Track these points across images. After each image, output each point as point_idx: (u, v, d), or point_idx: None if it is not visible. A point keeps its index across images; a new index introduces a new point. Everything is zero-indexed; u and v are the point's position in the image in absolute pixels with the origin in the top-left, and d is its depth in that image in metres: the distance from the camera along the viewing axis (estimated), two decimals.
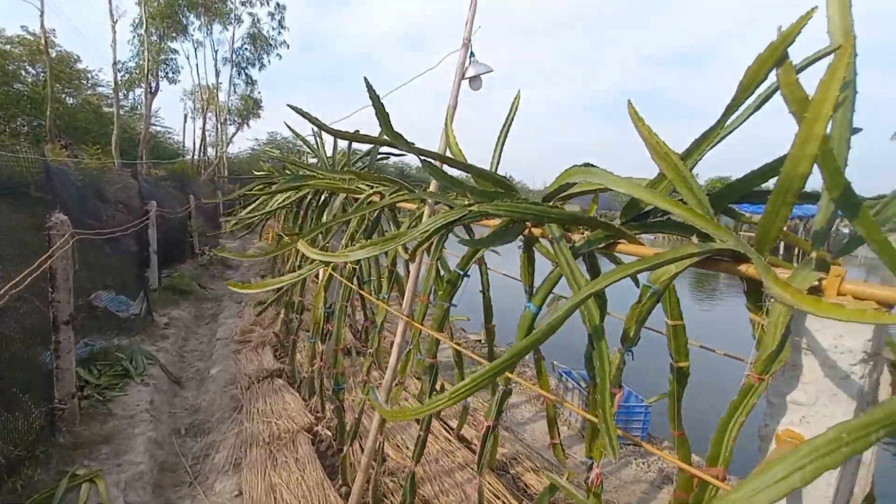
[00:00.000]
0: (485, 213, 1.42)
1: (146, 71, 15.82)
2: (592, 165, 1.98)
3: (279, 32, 21.67)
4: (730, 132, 1.21)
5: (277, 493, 2.64)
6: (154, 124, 19.24)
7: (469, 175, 1.82)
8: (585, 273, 1.58)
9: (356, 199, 3.62)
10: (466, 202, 1.99)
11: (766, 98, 1.13)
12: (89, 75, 19.60)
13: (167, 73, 17.72)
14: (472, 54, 2.40)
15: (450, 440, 3.17)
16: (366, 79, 1.24)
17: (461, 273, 1.91)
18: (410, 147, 1.34)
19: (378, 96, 1.24)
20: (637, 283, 1.52)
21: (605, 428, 0.95)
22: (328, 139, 4.74)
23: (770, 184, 1.23)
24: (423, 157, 1.39)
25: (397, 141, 1.35)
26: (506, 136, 2.20)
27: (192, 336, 5.79)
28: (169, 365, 4.56)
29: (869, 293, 0.97)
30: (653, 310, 1.33)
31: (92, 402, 3.41)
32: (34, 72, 18.46)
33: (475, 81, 2.44)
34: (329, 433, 3.23)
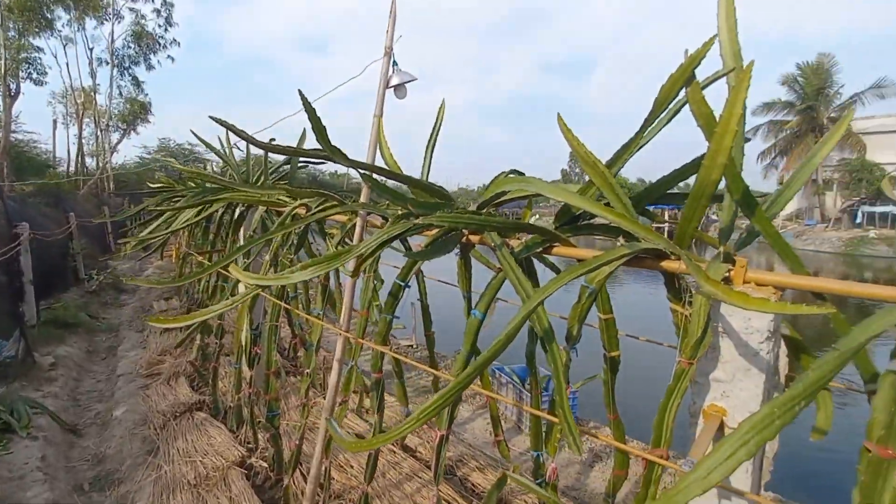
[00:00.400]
0: (429, 224, 1.42)
1: (3, 71, 13.53)
2: (520, 173, 2.08)
3: (166, 30, 19.76)
4: (647, 141, 1.34)
5: None
6: (15, 131, 16.50)
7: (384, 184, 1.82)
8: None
9: (277, 212, 3.43)
10: (400, 212, 1.98)
11: (676, 112, 1.27)
12: None
13: (30, 73, 15.31)
14: (394, 63, 2.39)
15: (394, 451, 3.13)
16: (300, 91, 1.18)
17: (403, 284, 1.89)
18: (351, 162, 1.30)
19: (313, 109, 1.19)
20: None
21: (567, 426, 1.00)
22: (238, 145, 4.42)
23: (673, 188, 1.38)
24: (362, 171, 1.36)
25: (336, 156, 1.30)
26: (434, 145, 2.23)
27: (87, 375, 5.08)
28: (60, 412, 3.96)
29: (768, 279, 1.13)
30: (591, 308, 1.43)
31: None
32: None
33: (400, 90, 2.44)
34: (265, 464, 3.02)
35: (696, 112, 1.15)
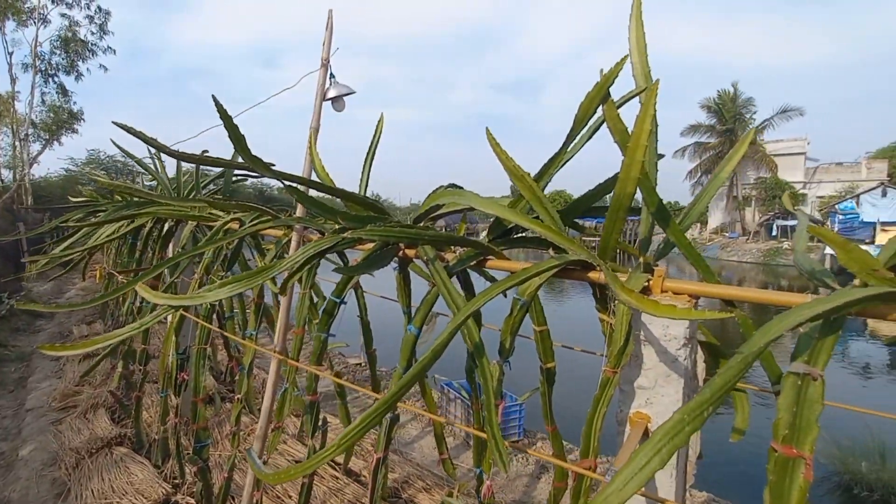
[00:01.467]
0: (358, 238, 1.38)
1: None
2: (458, 187, 2.09)
3: (101, 38, 18.56)
4: (571, 156, 1.38)
5: None
6: None
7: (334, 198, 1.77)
8: (460, 290, 1.65)
9: (209, 227, 3.25)
10: (336, 227, 1.92)
11: (596, 129, 1.32)
12: None
13: None
14: (331, 75, 2.35)
15: (336, 476, 2.99)
16: (214, 97, 1.11)
17: (337, 301, 1.83)
18: (271, 171, 1.24)
19: (230, 116, 1.12)
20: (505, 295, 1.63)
21: (494, 444, 0.98)
22: (169, 159, 4.17)
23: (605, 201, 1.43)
24: (286, 182, 1.30)
25: (255, 165, 1.24)
26: (372, 158, 2.20)
27: None
28: None
29: (683, 288, 1.18)
30: (523, 320, 1.44)
31: None
32: None
33: (338, 102, 2.40)
34: (192, 501, 2.78)
35: (612, 128, 1.19)
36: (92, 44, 18.30)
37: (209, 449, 2.65)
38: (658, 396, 1.23)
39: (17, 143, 19.36)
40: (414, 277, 2.02)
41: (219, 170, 3.52)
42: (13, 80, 17.71)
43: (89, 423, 3.76)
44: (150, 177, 5.65)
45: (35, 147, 19.15)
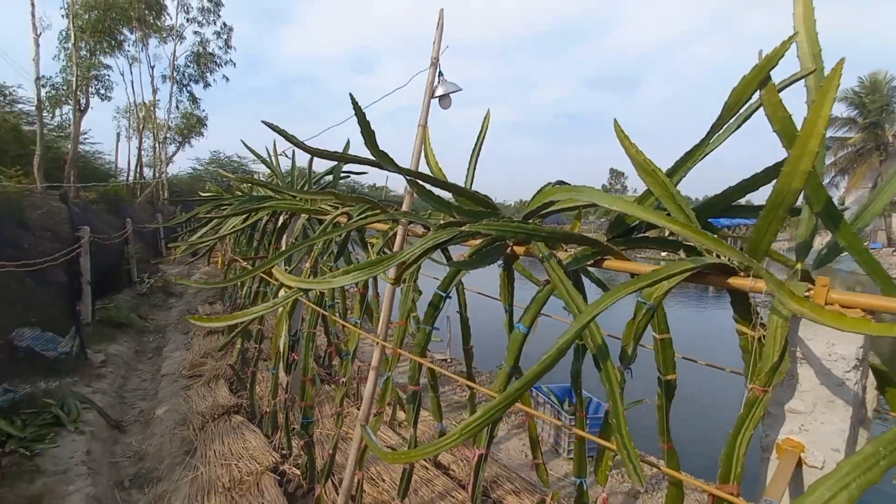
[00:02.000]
0: (476, 232, 1.38)
1: (75, 87, 14.70)
2: (566, 183, 2.02)
3: (225, 52, 21.03)
4: (713, 149, 1.25)
5: None
6: (83, 143, 17.83)
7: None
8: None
9: (319, 221, 3.49)
10: (442, 221, 1.95)
11: (747, 117, 1.18)
12: (6, 91, 17.97)
13: (98, 89, 16.59)
14: (440, 73, 2.39)
15: (427, 468, 3.05)
16: (351, 95, 1.17)
17: (444, 295, 1.85)
18: (398, 167, 1.28)
19: (364, 115, 1.18)
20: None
21: (626, 455, 0.91)
22: (286, 153, 4.55)
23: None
24: (409, 178, 1.33)
25: (383, 160, 1.29)
26: (478, 154, 2.20)
27: (133, 373, 5.29)
28: (107, 408, 4.12)
29: (855, 301, 1.01)
30: (647, 326, 1.34)
31: (16, 458, 2.99)
32: None
33: (444, 100, 2.43)
34: (297, 472, 3.01)
35: (772, 116, 1.05)
36: (217, 57, 20.75)
37: (314, 426, 2.85)
38: (816, 423, 1.07)
39: (156, 145, 22.53)
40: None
41: (327, 166, 3.77)
42: (154, 91, 20.66)
43: (212, 391, 4.24)
44: (265, 175, 6.20)
45: (171, 149, 22.16)
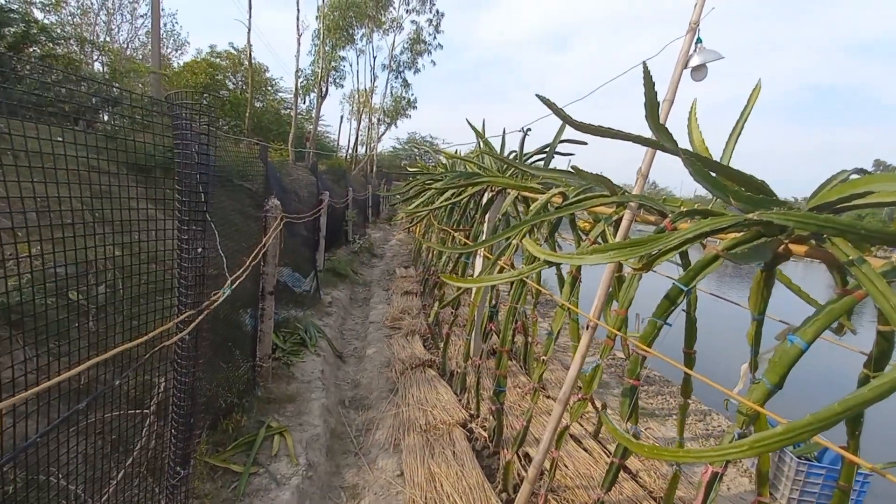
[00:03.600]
0: (768, 221, 1.18)
1: (320, 78, 18.07)
2: (866, 172, 1.60)
3: (435, 37, 23.12)
4: None
5: (437, 482, 2.69)
6: (319, 124, 22.00)
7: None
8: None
9: (524, 198, 3.55)
10: (683, 209, 1.75)
11: None
12: (273, 82, 23.22)
13: (335, 79, 20.07)
14: (699, 40, 2.12)
15: None
16: (644, 65, 1.10)
17: (684, 289, 1.67)
18: (676, 146, 1.17)
19: (653, 85, 1.09)
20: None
21: None
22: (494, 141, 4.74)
23: None
24: (688, 158, 1.21)
25: (662, 136, 1.19)
26: (740, 133, 1.90)
27: (349, 316, 6.35)
28: (332, 340, 5.04)
29: None
30: None
31: (280, 364, 3.90)
32: (235, 80, 22.42)
33: (699, 71, 2.16)
34: (484, 433, 3.21)
35: None
36: (428, 44, 22.87)
37: (504, 395, 2.97)
38: None
39: (369, 126, 26.20)
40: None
41: (539, 147, 3.77)
42: (374, 78, 23.92)
43: (410, 343, 4.81)
44: (459, 151, 6.56)
45: (381, 129, 25.55)
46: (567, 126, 3.41)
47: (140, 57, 21.38)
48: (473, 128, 4.03)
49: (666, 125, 2.03)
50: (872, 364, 1.38)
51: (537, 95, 1.32)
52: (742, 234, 1.51)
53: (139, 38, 23.43)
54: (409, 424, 3.32)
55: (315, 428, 3.22)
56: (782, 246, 1.48)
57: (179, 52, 24.35)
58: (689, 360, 2.22)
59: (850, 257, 1.20)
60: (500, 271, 2.73)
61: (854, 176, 1.68)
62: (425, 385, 3.87)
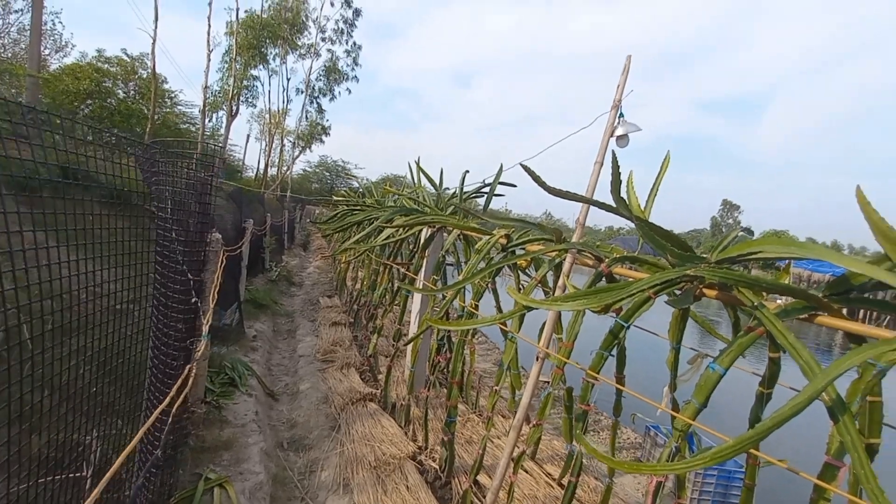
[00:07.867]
0: (700, 278, 1.51)
1: (230, 96, 17.21)
2: (751, 231, 2.05)
3: (352, 69, 23.30)
4: None
5: None
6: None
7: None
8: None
9: (465, 238, 3.80)
10: (615, 255, 2.09)
11: None
12: (173, 94, 21.57)
13: (247, 97, 19.26)
14: (621, 114, 2.55)
15: (552, 485, 3.17)
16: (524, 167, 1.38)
17: (625, 325, 1.99)
18: (630, 214, 1.46)
19: (618, 168, 1.37)
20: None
21: None
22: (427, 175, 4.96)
23: None
24: (640, 224, 1.51)
25: (620, 206, 1.48)
26: (656, 193, 2.32)
27: (275, 350, 6.05)
28: (262, 377, 4.78)
29: None
30: (874, 388, 1.37)
31: (210, 408, 3.64)
32: (126, 90, 20.42)
33: (622, 139, 2.59)
34: (434, 464, 3.30)
35: None
36: (344, 73, 22.96)
37: (454, 425, 3.11)
38: None
39: (281, 149, 25.32)
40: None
41: (475, 187, 4.08)
42: (287, 101, 23.33)
43: (346, 377, 4.74)
44: (364, 181, 6.72)
45: (295, 152, 24.81)
46: (502, 170, 3.69)
47: (10, 55, 18.60)
48: (421, 169, 4.23)
49: (632, 191, 2.40)
50: (766, 382, 1.78)
51: (521, 164, 1.55)
52: (662, 283, 1.86)
53: (10, 35, 20.43)
54: (357, 461, 3.30)
55: (257, 476, 3.06)
56: (698, 290, 1.86)
57: (61, 53, 21.64)
58: (620, 382, 2.57)
59: (754, 302, 1.58)
60: (468, 312, 2.91)
61: (741, 234, 2.16)
62: (369, 419, 3.86)
